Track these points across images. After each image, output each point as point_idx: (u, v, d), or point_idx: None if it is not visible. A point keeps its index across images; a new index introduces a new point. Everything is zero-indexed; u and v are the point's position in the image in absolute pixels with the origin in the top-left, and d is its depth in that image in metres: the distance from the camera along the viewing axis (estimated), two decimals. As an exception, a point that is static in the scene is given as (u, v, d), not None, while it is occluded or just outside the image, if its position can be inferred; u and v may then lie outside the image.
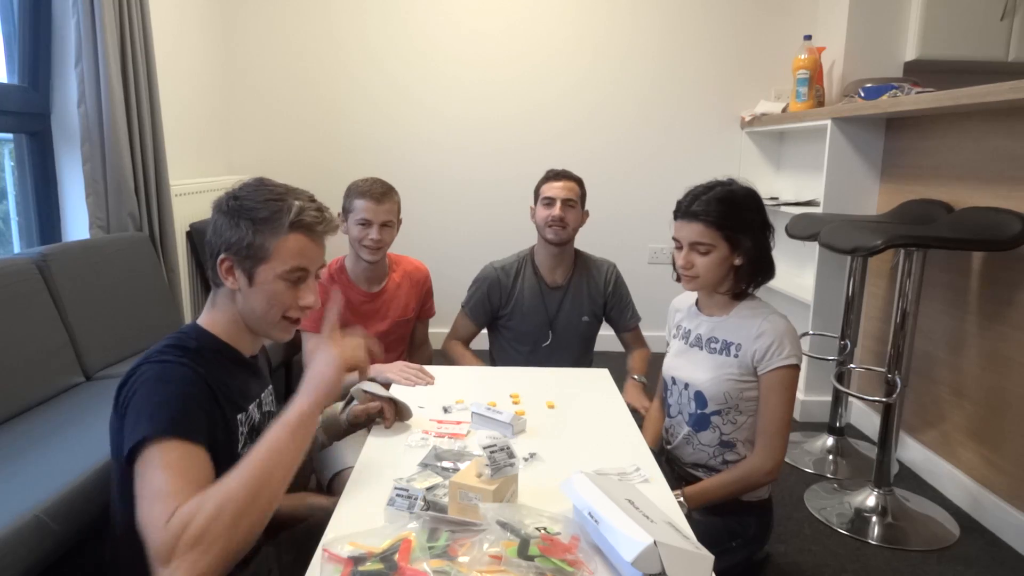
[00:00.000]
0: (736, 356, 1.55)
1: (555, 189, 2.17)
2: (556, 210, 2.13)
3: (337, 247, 2.17)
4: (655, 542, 0.87)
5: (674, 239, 1.59)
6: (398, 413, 1.49)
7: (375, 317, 2.10)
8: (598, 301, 2.26)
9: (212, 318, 1.20)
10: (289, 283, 1.15)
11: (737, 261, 1.55)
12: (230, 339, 1.20)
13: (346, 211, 2.04)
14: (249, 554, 1.24)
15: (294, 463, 1.01)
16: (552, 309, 2.23)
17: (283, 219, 1.13)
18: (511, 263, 2.27)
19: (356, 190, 2.01)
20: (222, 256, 1.15)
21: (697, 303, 1.69)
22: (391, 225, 2.03)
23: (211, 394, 1.10)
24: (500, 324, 2.27)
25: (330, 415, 1.48)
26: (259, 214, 1.13)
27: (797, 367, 1.53)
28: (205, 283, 3.10)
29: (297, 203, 1.15)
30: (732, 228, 1.52)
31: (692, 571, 0.90)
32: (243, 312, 1.18)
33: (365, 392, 1.47)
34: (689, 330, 1.68)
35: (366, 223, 1.98)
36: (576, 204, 2.18)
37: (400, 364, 1.84)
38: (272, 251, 1.13)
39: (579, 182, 2.22)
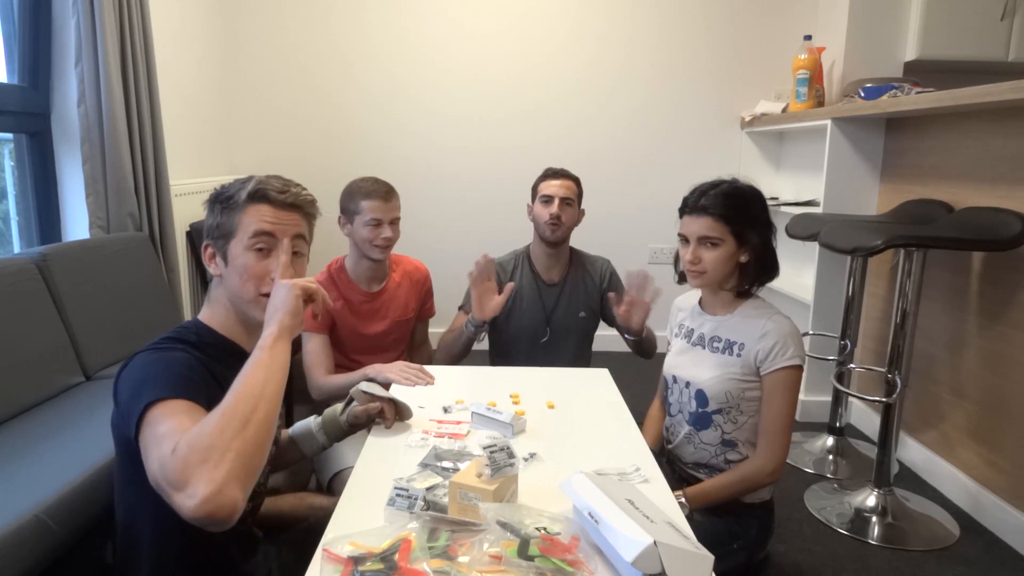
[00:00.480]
0: (739, 356, 1.56)
1: (553, 187, 2.18)
2: (554, 208, 2.15)
3: (338, 247, 2.18)
4: (655, 542, 0.87)
5: (680, 235, 1.59)
6: (398, 413, 1.49)
7: (375, 317, 2.10)
8: (594, 296, 2.28)
9: (210, 312, 1.21)
10: (257, 253, 1.15)
11: (743, 258, 1.55)
12: (228, 332, 1.20)
13: (350, 213, 2.03)
14: (249, 553, 1.24)
15: (281, 376, 1.00)
16: (549, 305, 2.24)
17: (243, 193, 1.16)
18: (508, 260, 2.29)
19: (360, 191, 2.01)
20: (204, 243, 1.20)
21: (701, 302, 1.69)
22: (398, 222, 2.05)
23: (212, 379, 1.09)
24: (498, 321, 2.27)
25: (330, 416, 1.48)
26: (225, 195, 1.18)
27: (800, 368, 1.53)
28: (205, 283, 3.10)
29: (257, 177, 1.18)
30: (740, 223, 1.52)
31: (692, 571, 0.90)
32: (228, 297, 1.18)
33: (364, 393, 1.47)
34: (692, 329, 1.68)
35: (377, 223, 1.98)
36: (573, 203, 2.20)
37: (400, 364, 1.84)
38: (237, 225, 1.15)
39: (576, 181, 2.23)
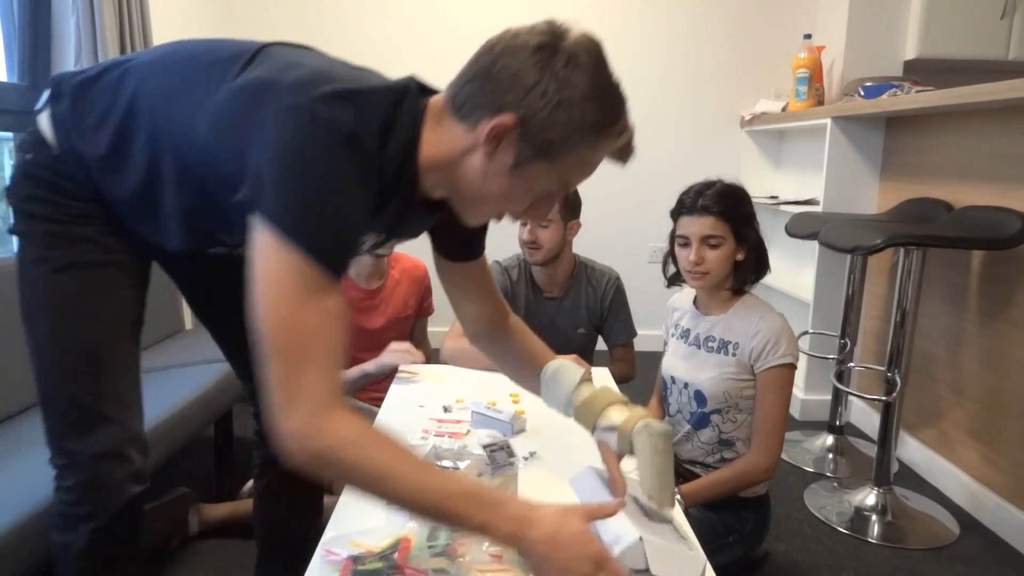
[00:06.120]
0: (734, 355, 1.56)
1: None
2: (526, 234, 1.97)
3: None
4: (640, 538, 0.87)
5: (679, 236, 1.59)
6: None
7: (374, 314, 2.11)
8: (595, 313, 2.11)
9: None
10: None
11: (740, 256, 1.56)
12: None
13: None
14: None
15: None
16: (545, 321, 2.09)
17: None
18: (512, 265, 2.13)
19: None
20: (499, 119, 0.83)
21: (695, 302, 1.69)
22: None
23: None
24: None
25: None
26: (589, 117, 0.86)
27: (793, 366, 1.53)
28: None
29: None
30: (738, 221, 1.54)
31: (681, 570, 0.90)
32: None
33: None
34: (688, 330, 1.69)
35: None
36: (552, 222, 1.97)
37: (391, 346, 1.86)
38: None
39: None
